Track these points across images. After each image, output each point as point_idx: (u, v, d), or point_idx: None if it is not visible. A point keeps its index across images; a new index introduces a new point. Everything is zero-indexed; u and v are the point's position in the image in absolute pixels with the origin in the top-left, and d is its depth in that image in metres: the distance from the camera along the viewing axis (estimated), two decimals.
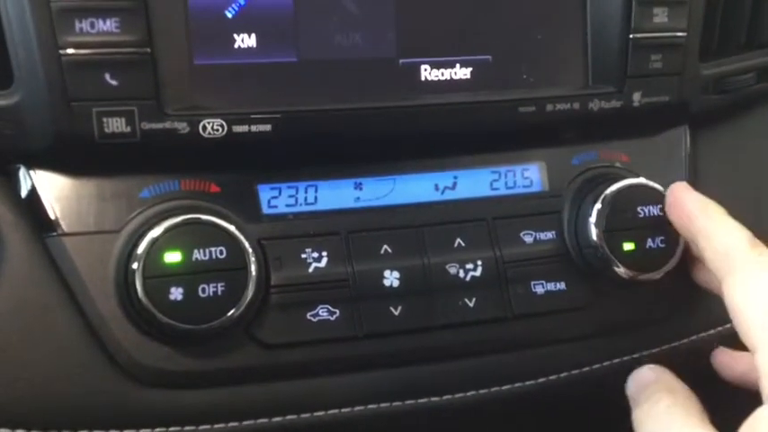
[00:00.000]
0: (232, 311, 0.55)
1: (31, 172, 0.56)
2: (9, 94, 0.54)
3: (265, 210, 0.60)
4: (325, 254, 0.59)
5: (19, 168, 0.57)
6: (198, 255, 0.55)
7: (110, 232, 0.56)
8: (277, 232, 0.59)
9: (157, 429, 0.56)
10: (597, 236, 0.63)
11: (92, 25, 0.53)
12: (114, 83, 0.54)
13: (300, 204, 0.61)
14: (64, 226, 0.56)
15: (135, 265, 0.54)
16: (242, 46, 0.58)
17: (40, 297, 0.55)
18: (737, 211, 0.58)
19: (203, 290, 0.54)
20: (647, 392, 0.55)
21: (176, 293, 0.54)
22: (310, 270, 0.59)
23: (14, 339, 0.54)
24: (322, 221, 0.60)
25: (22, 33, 0.53)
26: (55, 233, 0.56)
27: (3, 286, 0.55)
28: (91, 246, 0.56)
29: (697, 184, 0.70)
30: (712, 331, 0.69)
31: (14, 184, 0.57)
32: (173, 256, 0.55)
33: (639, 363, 0.63)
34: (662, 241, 0.63)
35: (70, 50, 0.53)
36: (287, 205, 0.60)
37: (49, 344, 0.55)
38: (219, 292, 0.55)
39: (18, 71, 0.54)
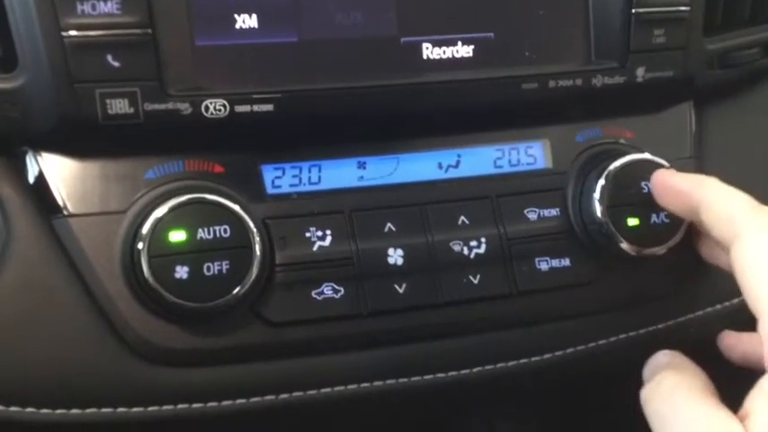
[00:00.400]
0: (237, 289, 0.55)
1: (37, 154, 0.57)
2: (13, 77, 0.55)
3: (269, 190, 0.60)
4: (329, 232, 0.59)
5: (25, 151, 0.57)
6: (202, 234, 0.55)
7: (115, 213, 0.57)
8: (281, 212, 0.59)
9: (165, 407, 0.57)
10: (601, 212, 0.63)
11: (93, 7, 0.53)
12: (116, 64, 0.54)
13: (304, 184, 0.61)
14: (70, 207, 0.56)
15: (140, 245, 0.55)
16: (243, 26, 0.59)
17: (46, 277, 0.56)
18: (744, 187, 0.58)
19: (208, 268, 0.55)
20: (656, 372, 0.55)
21: (182, 272, 0.54)
22: (314, 249, 0.59)
23: (21, 319, 0.55)
24: (326, 200, 0.60)
25: (25, 16, 0.53)
26: (61, 215, 0.56)
27: (10, 267, 0.55)
28: (97, 226, 0.56)
29: (703, 159, 0.70)
30: (719, 306, 0.69)
31: (20, 166, 0.57)
32: (177, 235, 0.55)
33: (645, 338, 0.63)
34: (666, 216, 0.63)
35: (72, 32, 0.53)
36: (291, 185, 0.61)
37: (56, 323, 0.55)
38: (224, 271, 0.55)
39: (22, 54, 0.54)
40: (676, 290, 0.67)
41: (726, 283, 0.55)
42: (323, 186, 0.61)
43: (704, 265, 0.64)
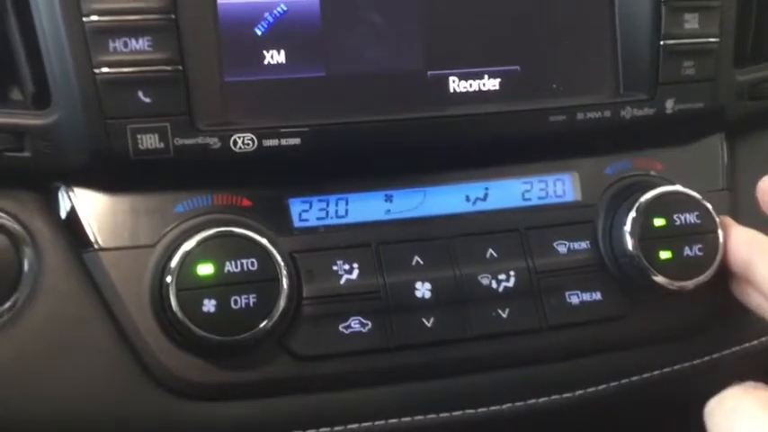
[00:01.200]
0: (264, 323, 0.55)
1: (69, 190, 0.57)
2: (47, 114, 0.56)
3: (296, 223, 0.60)
4: (356, 266, 0.59)
5: (57, 187, 0.58)
6: (230, 267, 0.55)
7: (145, 247, 0.57)
8: (308, 245, 0.59)
9: None
10: (633, 245, 0.62)
11: (125, 44, 0.54)
12: (147, 100, 0.55)
13: (331, 217, 0.61)
14: (100, 241, 0.57)
15: (169, 279, 0.55)
16: (271, 62, 0.59)
17: (76, 311, 0.56)
18: None
19: (235, 301, 0.55)
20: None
21: (209, 305, 0.55)
22: (342, 282, 0.59)
23: (51, 352, 0.55)
24: (353, 234, 0.60)
25: (58, 54, 0.54)
26: (91, 248, 0.57)
27: (40, 300, 0.56)
28: (126, 260, 0.57)
29: (735, 193, 0.69)
30: (756, 342, 0.67)
31: (52, 201, 0.58)
32: (205, 269, 0.55)
33: (678, 375, 0.61)
34: (700, 249, 0.62)
35: (104, 69, 0.54)
36: (318, 218, 0.61)
37: (85, 356, 0.55)
38: (251, 304, 0.55)
39: (55, 91, 0.55)
40: (712, 324, 0.65)
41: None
42: (350, 220, 0.61)
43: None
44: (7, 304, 0.56)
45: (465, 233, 0.62)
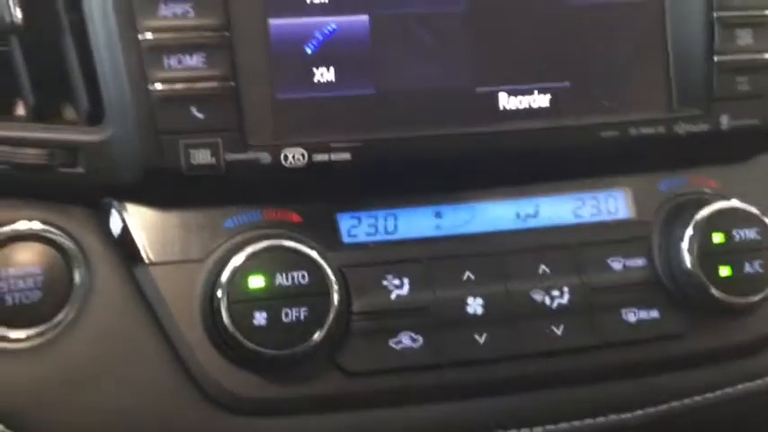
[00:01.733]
0: (315, 336, 0.55)
1: (120, 205, 0.58)
2: (100, 129, 0.57)
3: (345, 239, 0.60)
4: (406, 281, 0.59)
5: (109, 203, 0.58)
6: (281, 279, 0.55)
7: (195, 261, 0.57)
8: (357, 260, 0.58)
9: None
10: (691, 262, 0.61)
11: (179, 61, 0.55)
12: (200, 116, 0.55)
13: (380, 233, 0.60)
14: (151, 256, 0.57)
15: (219, 293, 0.55)
16: (321, 80, 0.60)
17: (127, 326, 0.56)
18: None
19: (286, 314, 0.54)
20: None
21: (260, 318, 0.54)
22: (392, 297, 0.58)
23: (102, 367, 0.55)
24: (402, 249, 0.60)
25: (114, 71, 0.55)
26: (142, 263, 0.57)
27: (90, 315, 0.56)
28: (177, 275, 0.57)
29: None
30: None
31: (102, 216, 0.58)
32: (256, 281, 0.55)
33: (741, 395, 0.59)
34: (760, 265, 0.60)
35: (159, 86, 0.55)
36: (367, 234, 0.60)
37: (136, 371, 0.55)
38: (302, 317, 0.55)
39: (109, 107, 0.56)
40: None
41: None
42: (399, 236, 0.61)
43: None
44: (58, 318, 0.56)
45: (516, 250, 0.61)
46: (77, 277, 0.57)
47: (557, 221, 0.63)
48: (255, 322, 0.54)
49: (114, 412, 0.55)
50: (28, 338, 0.55)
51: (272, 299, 0.54)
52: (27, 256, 0.56)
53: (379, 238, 0.60)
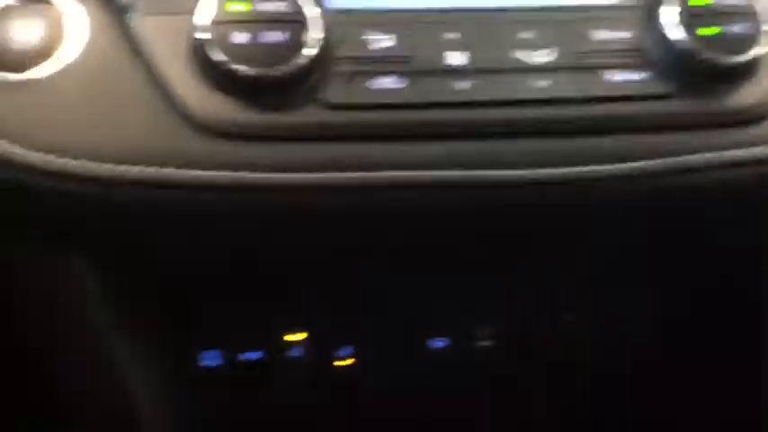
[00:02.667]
0: (295, 58, 0.55)
1: None
2: None
3: (328, 3, 0.60)
4: (388, 36, 0.59)
5: None
6: (261, 6, 0.56)
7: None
8: (340, 20, 0.59)
9: (207, 172, 0.56)
10: (677, 27, 0.60)
11: None
12: None
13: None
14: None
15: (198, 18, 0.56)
16: None
17: (114, 58, 0.57)
18: None
19: (266, 36, 0.55)
20: None
21: (241, 38, 0.55)
22: (373, 46, 0.59)
23: (89, 87, 0.56)
24: (386, 14, 0.60)
25: None
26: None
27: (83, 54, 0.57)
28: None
29: None
30: None
31: None
32: (237, 7, 0.56)
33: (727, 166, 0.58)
34: (747, 28, 0.60)
35: None
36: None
37: (117, 94, 0.56)
38: (283, 39, 0.55)
39: None
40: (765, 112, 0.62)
41: None
42: (383, 4, 0.61)
43: None
44: (53, 57, 0.57)
45: (504, 21, 0.61)
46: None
47: (544, 2, 0.63)
48: (236, 41, 0.55)
49: (94, 124, 0.56)
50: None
51: (253, 22, 0.55)
52: None
53: (364, 4, 0.61)
